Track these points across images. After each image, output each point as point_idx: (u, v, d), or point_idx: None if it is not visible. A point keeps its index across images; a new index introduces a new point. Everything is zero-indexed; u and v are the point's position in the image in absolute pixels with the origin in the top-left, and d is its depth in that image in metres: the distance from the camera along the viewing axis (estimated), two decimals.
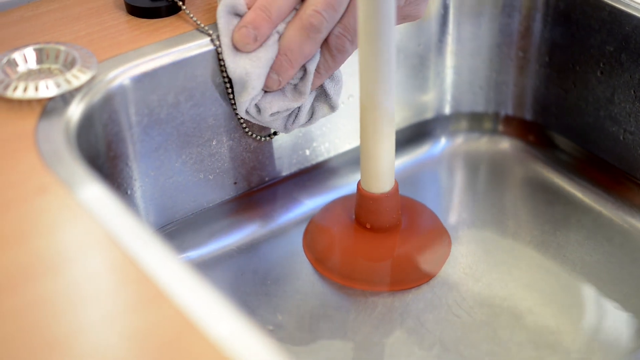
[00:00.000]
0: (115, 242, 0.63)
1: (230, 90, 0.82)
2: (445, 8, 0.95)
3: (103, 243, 0.63)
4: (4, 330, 0.57)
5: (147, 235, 0.62)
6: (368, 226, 0.86)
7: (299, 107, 0.83)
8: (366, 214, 0.85)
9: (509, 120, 0.99)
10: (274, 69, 0.79)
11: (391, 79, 0.77)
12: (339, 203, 0.91)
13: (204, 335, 0.56)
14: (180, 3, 0.84)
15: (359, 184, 0.85)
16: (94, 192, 0.66)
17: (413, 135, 0.98)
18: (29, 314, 0.58)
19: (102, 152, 0.77)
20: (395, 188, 0.84)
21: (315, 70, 0.81)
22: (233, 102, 0.83)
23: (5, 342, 0.56)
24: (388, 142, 0.81)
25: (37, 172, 0.68)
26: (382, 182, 0.83)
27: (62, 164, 0.69)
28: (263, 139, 0.88)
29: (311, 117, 0.85)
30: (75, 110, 0.74)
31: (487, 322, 0.81)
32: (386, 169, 0.82)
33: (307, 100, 0.83)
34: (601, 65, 0.91)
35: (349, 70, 0.90)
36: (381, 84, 0.77)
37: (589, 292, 0.84)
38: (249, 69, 0.78)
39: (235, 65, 0.79)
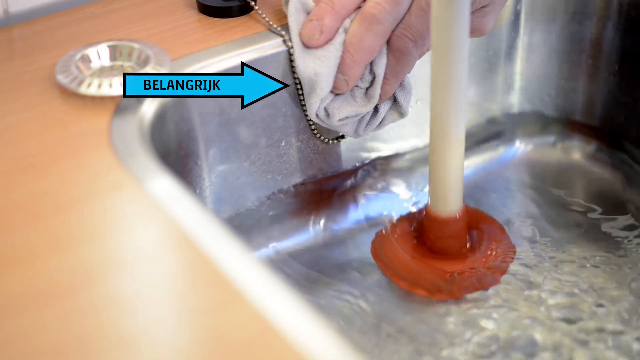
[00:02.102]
0: (190, 240, 0.63)
1: (300, 92, 0.82)
2: (516, 14, 0.94)
3: (178, 241, 0.63)
4: (78, 327, 0.57)
5: (223, 234, 0.62)
6: (432, 246, 0.85)
7: (372, 113, 0.83)
8: (432, 236, 0.85)
9: (577, 128, 0.98)
10: (339, 68, 0.79)
11: (463, 101, 0.77)
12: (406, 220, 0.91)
13: (282, 337, 0.56)
14: (253, 3, 0.84)
15: (426, 205, 0.84)
16: (168, 190, 0.66)
17: (480, 141, 0.97)
18: (104, 311, 0.58)
19: (173, 150, 0.77)
20: (463, 211, 0.84)
21: (384, 76, 0.80)
22: (303, 103, 0.83)
23: (79, 339, 0.57)
24: (457, 166, 0.80)
25: (111, 168, 0.68)
26: (449, 204, 0.83)
27: (137, 161, 0.69)
28: (331, 141, 0.87)
29: (380, 122, 0.84)
30: (149, 108, 0.74)
31: None
32: (454, 190, 0.82)
33: (382, 108, 0.82)
34: None
35: (417, 75, 0.89)
36: (452, 106, 0.77)
37: None
38: (318, 69, 0.78)
39: (305, 65, 0.79)
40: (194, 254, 0.62)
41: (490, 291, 0.84)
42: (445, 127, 0.78)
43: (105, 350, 0.56)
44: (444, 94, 0.76)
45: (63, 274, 0.60)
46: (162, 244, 0.64)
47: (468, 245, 0.87)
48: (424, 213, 0.86)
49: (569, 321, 0.82)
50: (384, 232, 0.89)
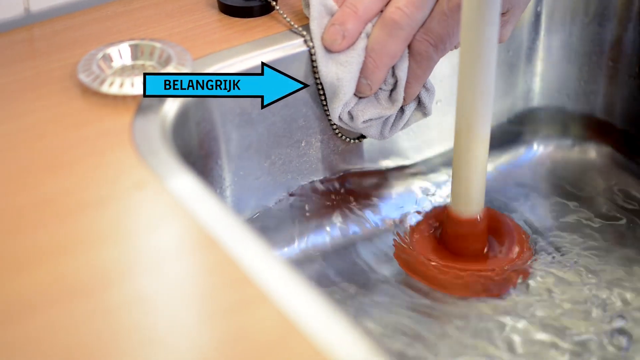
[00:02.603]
0: (213, 240, 0.62)
1: (321, 92, 0.82)
2: (536, 16, 0.94)
3: (201, 241, 0.63)
4: (101, 327, 0.57)
5: (246, 234, 0.62)
6: (452, 247, 0.85)
7: (397, 115, 0.83)
8: (452, 236, 0.85)
9: (596, 130, 0.98)
10: (362, 72, 0.79)
11: (489, 102, 0.76)
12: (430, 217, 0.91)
13: (306, 338, 0.56)
14: (274, 3, 0.84)
15: (448, 206, 0.84)
16: (191, 189, 0.66)
17: (499, 141, 0.97)
18: (126, 311, 0.58)
19: (195, 150, 0.77)
20: (485, 213, 0.83)
21: (406, 80, 0.80)
22: (324, 103, 0.83)
23: (102, 339, 0.56)
24: (481, 167, 0.80)
25: (133, 167, 0.68)
26: (471, 205, 0.82)
27: (159, 160, 0.69)
28: (352, 141, 0.87)
29: (405, 123, 0.84)
30: (171, 107, 0.74)
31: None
32: (477, 192, 0.82)
33: (407, 109, 0.82)
34: None
35: (439, 76, 0.89)
36: (479, 109, 0.77)
37: None
38: (340, 74, 0.78)
39: (327, 70, 0.79)
40: (217, 253, 0.62)
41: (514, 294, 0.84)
42: (470, 127, 0.78)
43: (127, 351, 0.56)
44: (471, 94, 0.76)
45: (86, 274, 0.60)
46: (184, 243, 0.64)
47: (486, 249, 0.86)
48: (445, 213, 0.85)
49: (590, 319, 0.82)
50: (403, 235, 0.89)
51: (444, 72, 0.90)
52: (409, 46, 0.79)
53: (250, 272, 0.60)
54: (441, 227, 0.87)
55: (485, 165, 0.80)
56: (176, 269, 0.61)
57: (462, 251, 0.85)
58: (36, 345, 0.56)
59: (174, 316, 0.58)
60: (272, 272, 0.60)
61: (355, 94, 0.80)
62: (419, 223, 0.90)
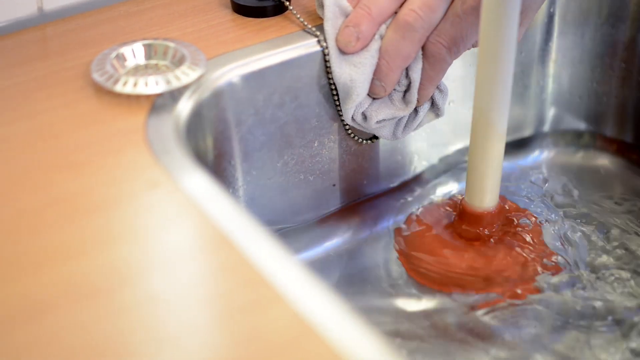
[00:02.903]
0: (228, 240, 0.62)
1: (335, 92, 0.82)
2: (550, 17, 0.94)
3: (215, 241, 0.63)
4: (115, 327, 0.57)
5: (262, 235, 0.62)
6: (466, 239, 0.85)
7: (410, 116, 0.83)
8: (467, 229, 0.85)
9: (609, 131, 0.98)
10: (375, 74, 0.79)
11: (507, 98, 0.76)
12: (432, 212, 0.91)
13: (321, 338, 0.56)
14: (287, 3, 0.83)
15: (462, 198, 0.84)
16: (205, 189, 0.66)
17: (511, 143, 0.97)
18: (140, 311, 0.58)
19: (208, 149, 0.77)
20: (499, 207, 0.83)
21: (420, 81, 0.80)
22: (337, 103, 0.83)
23: (117, 339, 0.56)
24: (497, 160, 0.80)
25: (147, 167, 0.68)
26: (486, 199, 0.82)
27: (173, 159, 0.69)
28: (365, 141, 0.87)
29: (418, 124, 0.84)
30: (185, 107, 0.74)
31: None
32: (492, 186, 0.82)
33: (421, 110, 0.82)
34: None
35: (452, 76, 0.89)
36: (496, 101, 0.77)
37: None
38: (353, 75, 0.78)
39: (341, 71, 0.79)
40: (230, 253, 0.62)
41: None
42: (488, 121, 0.78)
43: (140, 351, 0.56)
44: (489, 88, 0.76)
45: (99, 273, 0.60)
46: (198, 243, 0.64)
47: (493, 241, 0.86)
48: (460, 206, 0.85)
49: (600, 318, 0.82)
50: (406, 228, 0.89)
51: (457, 73, 0.90)
52: (423, 48, 0.79)
53: (264, 272, 0.60)
54: (453, 219, 0.87)
55: (501, 159, 0.80)
56: (190, 269, 0.61)
57: (474, 241, 0.85)
58: (50, 346, 0.56)
59: (187, 316, 0.58)
60: (286, 272, 0.60)
61: (369, 95, 0.80)
62: (422, 215, 0.90)
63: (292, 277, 0.59)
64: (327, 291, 0.58)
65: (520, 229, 0.88)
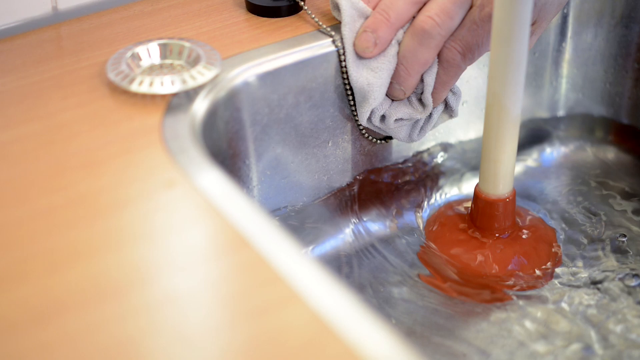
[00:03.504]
0: (246, 240, 0.62)
1: (349, 93, 0.82)
2: (563, 18, 0.94)
3: (233, 241, 0.63)
4: (134, 326, 0.57)
5: (279, 234, 0.62)
6: (482, 229, 0.85)
7: (425, 118, 0.83)
8: (482, 217, 0.85)
9: (621, 132, 0.98)
10: (395, 79, 0.79)
11: (520, 82, 0.76)
12: (450, 209, 0.91)
13: (340, 338, 0.56)
14: (302, 3, 0.84)
15: (476, 186, 0.84)
16: (222, 188, 0.66)
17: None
18: (158, 310, 0.58)
19: (223, 149, 0.77)
20: (513, 194, 0.83)
21: (434, 85, 0.80)
22: (352, 103, 0.83)
23: (135, 338, 0.57)
24: (511, 146, 0.80)
25: (164, 166, 0.68)
26: (500, 186, 0.82)
27: (189, 159, 0.69)
28: (379, 141, 0.87)
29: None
30: (201, 107, 0.74)
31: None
32: (506, 173, 0.82)
33: (435, 113, 0.83)
34: None
35: (465, 76, 0.89)
36: (510, 85, 0.76)
37: None
38: (371, 79, 0.78)
39: (358, 75, 0.79)
40: (248, 253, 0.62)
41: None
42: (501, 105, 0.78)
43: (159, 350, 0.56)
44: (503, 71, 0.76)
45: (117, 273, 0.60)
46: (216, 242, 0.64)
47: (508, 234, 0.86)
48: (474, 193, 0.85)
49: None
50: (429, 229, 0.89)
51: (471, 73, 0.90)
52: (438, 53, 0.80)
53: (283, 271, 0.60)
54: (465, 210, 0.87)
55: (515, 144, 0.80)
56: (207, 269, 0.61)
57: (490, 231, 0.85)
58: (67, 345, 0.56)
59: (205, 316, 0.58)
60: (305, 272, 0.60)
61: (387, 96, 0.80)
62: (443, 211, 0.90)
63: (310, 277, 0.59)
64: (346, 291, 0.58)
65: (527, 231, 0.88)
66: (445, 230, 0.88)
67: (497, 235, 0.85)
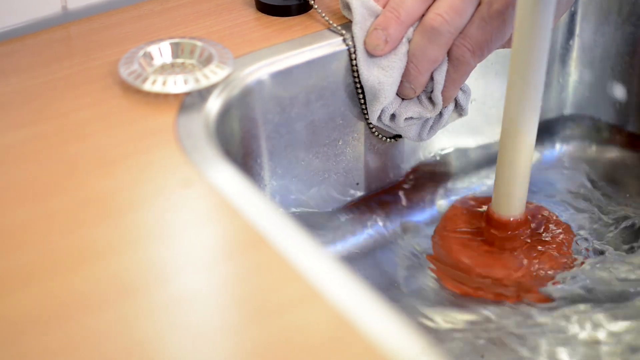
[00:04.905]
0: (263, 238, 0.62)
1: (360, 92, 0.82)
2: (571, 16, 0.94)
3: (250, 239, 0.63)
4: (151, 325, 0.57)
5: (297, 232, 0.62)
6: (494, 247, 0.86)
7: (435, 117, 0.83)
8: (494, 236, 0.85)
9: (629, 129, 0.98)
10: (405, 77, 0.79)
11: (537, 107, 0.77)
12: (461, 211, 0.91)
13: (361, 336, 0.56)
14: (312, 2, 0.84)
15: (489, 207, 0.84)
16: (238, 187, 0.66)
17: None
18: (176, 310, 0.58)
19: (236, 148, 0.78)
20: (525, 216, 0.84)
21: (444, 83, 0.80)
22: (362, 102, 0.83)
23: (152, 336, 0.57)
24: (525, 169, 0.81)
25: (179, 166, 0.69)
26: (513, 208, 0.83)
27: (204, 158, 0.69)
28: (389, 140, 0.87)
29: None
30: (214, 106, 0.74)
31: None
32: (520, 195, 0.82)
33: (445, 112, 0.83)
34: None
35: (473, 74, 0.89)
36: (526, 111, 0.77)
37: None
38: (382, 78, 0.79)
39: (369, 73, 0.79)
40: (266, 251, 0.62)
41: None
42: (517, 131, 0.78)
43: (177, 350, 0.56)
44: (520, 98, 0.76)
45: (134, 272, 0.61)
46: (233, 241, 0.64)
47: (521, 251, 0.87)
48: (486, 213, 0.86)
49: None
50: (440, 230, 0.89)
51: (479, 71, 0.90)
52: (448, 50, 0.80)
53: (301, 270, 0.60)
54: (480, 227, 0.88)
55: (529, 169, 0.81)
56: (226, 267, 0.62)
57: (501, 249, 0.85)
58: (84, 345, 0.56)
59: (224, 315, 0.58)
60: (323, 270, 0.60)
61: (397, 95, 0.81)
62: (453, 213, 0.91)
63: (329, 274, 0.59)
64: (365, 288, 0.58)
65: (548, 235, 0.88)
66: (456, 243, 0.88)
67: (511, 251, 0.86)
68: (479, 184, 0.94)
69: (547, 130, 0.99)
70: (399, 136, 0.88)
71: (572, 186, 0.96)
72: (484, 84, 0.92)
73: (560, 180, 0.97)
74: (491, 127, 0.93)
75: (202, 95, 0.75)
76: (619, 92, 0.97)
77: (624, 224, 0.91)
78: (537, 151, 0.98)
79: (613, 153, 0.99)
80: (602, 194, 0.95)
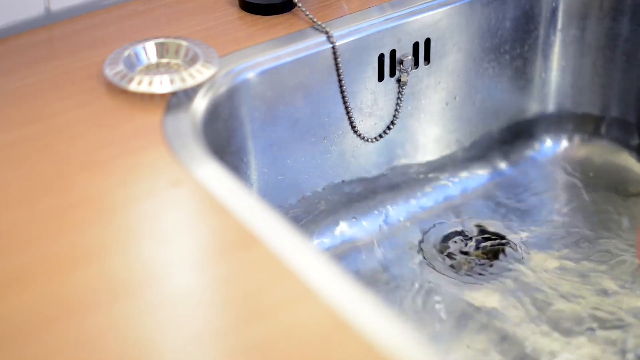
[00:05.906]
0: (255, 237, 0.62)
1: (344, 89, 0.82)
2: (552, 11, 0.94)
3: (243, 238, 0.63)
4: (143, 326, 0.57)
5: (289, 231, 0.62)
6: None
7: None
8: None
9: (610, 123, 0.98)
10: None
11: None
12: None
13: (356, 333, 0.56)
14: (296, 0, 0.84)
15: None
16: (228, 187, 0.66)
17: (516, 136, 0.97)
18: (168, 310, 0.58)
19: (223, 147, 0.78)
20: None
21: None
22: (347, 100, 0.83)
23: (144, 337, 0.57)
24: None
25: (168, 166, 0.68)
26: None
27: (192, 157, 0.69)
28: (371, 140, 0.88)
29: None
30: (200, 105, 0.74)
31: None
32: None
33: None
34: None
35: (455, 72, 0.89)
36: None
37: None
38: None
39: None
40: (258, 250, 0.62)
41: None
42: None
43: (172, 350, 0.56)
44: None
45: (127, 273, 0.60)
46: (226, 240, 0.64)
47: None
48: None
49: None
50: None
51: (461, 67, 0.91)
52: None
53: (295, 268, 0.60)
54: None
55: None
56: (217, 266, 0.61)
57: None
58: (80, 345, 0.56)
59: (218, 314, 0.58)
60: (316, 267, 0.60)
61: None
62: None
63: (321, 272, 0.59)
64: (358, 285, 0.58)
65: None
66: None
67: None
68: (469, 175, 0.94)
69: (529, 125, 0.99)
70: (381, 136, 0.88)
71: (557, 180, 0.96)
72: (466, 80, 0.92)
73: (545, 174, 0.97)
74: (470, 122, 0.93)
75: (188, 94, 0.75)
76: (600, 85, 0.98)
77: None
78: (517, 147, 0.98)
79: (597, 146, 0.99)
80: (587, 187, 0.95)
